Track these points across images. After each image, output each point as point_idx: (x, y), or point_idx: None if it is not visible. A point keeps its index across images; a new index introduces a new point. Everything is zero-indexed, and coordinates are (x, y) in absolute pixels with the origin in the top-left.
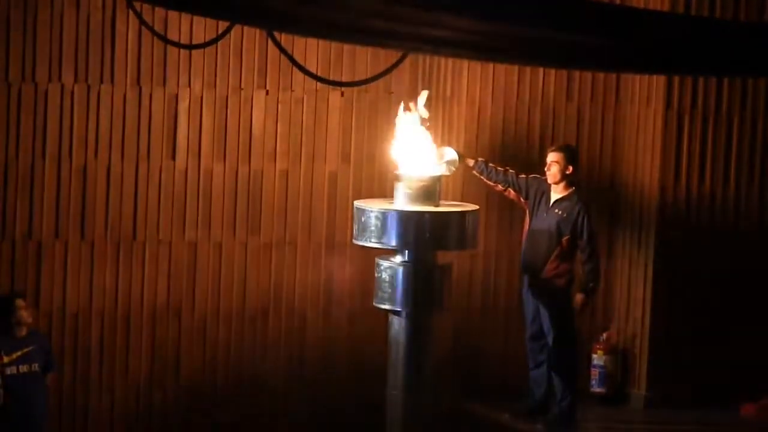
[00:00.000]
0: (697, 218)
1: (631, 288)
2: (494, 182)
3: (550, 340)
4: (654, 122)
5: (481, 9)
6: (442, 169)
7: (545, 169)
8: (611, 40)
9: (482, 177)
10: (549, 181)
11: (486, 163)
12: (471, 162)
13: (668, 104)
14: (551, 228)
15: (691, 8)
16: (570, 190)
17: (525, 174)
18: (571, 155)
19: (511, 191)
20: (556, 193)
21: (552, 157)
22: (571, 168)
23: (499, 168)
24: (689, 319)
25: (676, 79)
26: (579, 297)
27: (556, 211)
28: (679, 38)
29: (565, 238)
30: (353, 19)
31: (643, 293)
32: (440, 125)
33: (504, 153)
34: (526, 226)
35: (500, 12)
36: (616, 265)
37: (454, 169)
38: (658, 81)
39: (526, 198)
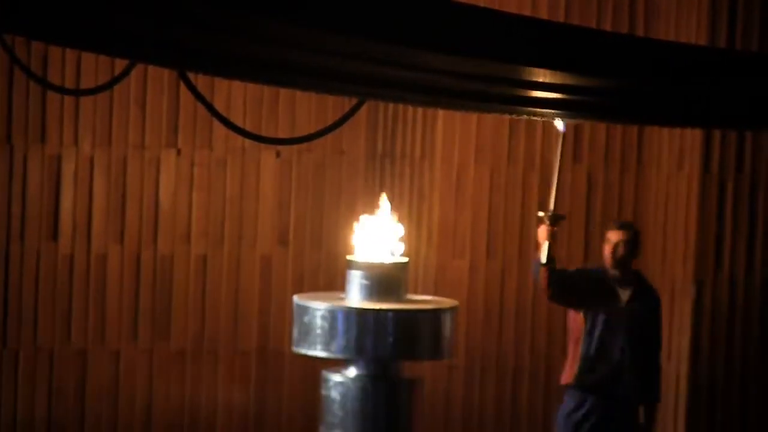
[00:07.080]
0: (744, 319)
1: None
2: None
3: None
4: (688, 191)
5: (460, 43)
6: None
7: (609, 250)
8: (628, 83)
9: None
10: (612, 265)
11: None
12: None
13: (707, 168)
14: (629, 329)
15: (736, 40)
16: (635, 275)
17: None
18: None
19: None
20: (624, 282)
21: (620, 235)
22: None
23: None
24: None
25: (716, 136)
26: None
27: (635, 305)
28: (720, 79)
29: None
30: (292, 55)
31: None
32: (407, 196)
33: (491, 232)
34: (581, 336)
35: (482, 47)
36: None
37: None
38: (693, 138)
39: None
